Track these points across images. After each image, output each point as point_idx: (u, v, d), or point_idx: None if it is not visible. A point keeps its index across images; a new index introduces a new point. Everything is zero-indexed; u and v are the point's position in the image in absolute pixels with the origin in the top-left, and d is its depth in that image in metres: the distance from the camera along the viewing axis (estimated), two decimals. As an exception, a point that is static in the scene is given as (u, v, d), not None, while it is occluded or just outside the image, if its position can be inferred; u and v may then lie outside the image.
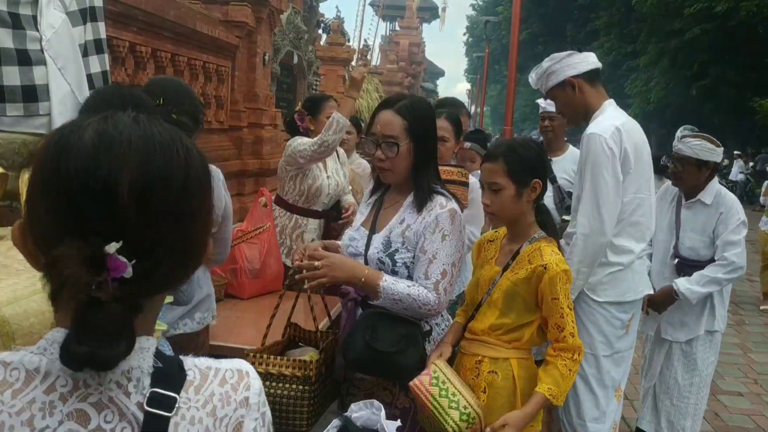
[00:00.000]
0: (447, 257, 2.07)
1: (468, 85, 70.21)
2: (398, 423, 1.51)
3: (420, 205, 2.11)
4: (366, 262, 2.17)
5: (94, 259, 0.69)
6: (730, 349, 5.54)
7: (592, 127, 2.60)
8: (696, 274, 3.23)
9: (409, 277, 2.13)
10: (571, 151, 4.32)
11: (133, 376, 0.77)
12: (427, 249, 2.07)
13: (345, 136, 4.75)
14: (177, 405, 0.78)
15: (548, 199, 4.17)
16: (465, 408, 2.00)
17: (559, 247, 2.23)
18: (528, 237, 2.22)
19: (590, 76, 2.70)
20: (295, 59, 12.13)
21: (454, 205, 2.11)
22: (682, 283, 3.23)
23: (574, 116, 2.81)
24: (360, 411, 1.48)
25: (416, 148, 2.10)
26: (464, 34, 63.43)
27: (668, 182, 3.62)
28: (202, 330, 2.61)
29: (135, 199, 0.72)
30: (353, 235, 2.29)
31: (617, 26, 24.63)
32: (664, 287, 3.33)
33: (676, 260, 3.37)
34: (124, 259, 0.70)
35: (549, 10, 31.20)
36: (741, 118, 20.95)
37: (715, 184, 3.33)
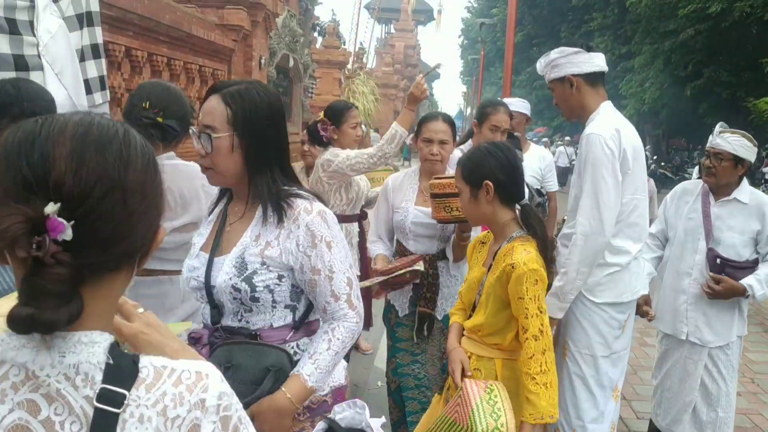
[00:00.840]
0: (343, 263, 1.74)
1: (464, 87, 70.27)
2: (383, 419, 1.51)
3: (278, 215, 1.70)
4: (209, 293, 1.74)
5: (35, 220, 0.74)
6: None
7: (592, 128, 2.60)
8: (764, 276, 3.08)
9: (274, 302, 1.73)
10: (533, 149, 4.47)
11: (81, 369, 0.78)
12: (319, 267, 1.70)
13: None
14: (126, 402, 0.79)
15: None
16: (502, 426, 1.99)
17: (542, 246, 2.20)
18: (506, 237, 2.24)
19: (592, 77, 2.69)
20: (291, 62, 12.14)
21: (319, 204, 1.76)
22: (758, 288, 3.07)
23: (568, 112, 2.82)
24: (344, 411, 1.49)
25: (245, 143, 1.69)
26: (459, 37, 63.49)
27: (685, 182, 3.49)
28: None
29: (71, 162, 0.77)
30: (192, 264, 1.82)
31: (611, 27, 24.67)
32: (732, 282, 3.10)
33: (718, 260, 3.15)
34: (62, 220, 0.74)
35: (543, 11, 31.24)
36: (735, 119, 21.01)
37: (747, 184, 3.23)
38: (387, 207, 3.16)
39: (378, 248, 3.17)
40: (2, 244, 0.73)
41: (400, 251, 3.10)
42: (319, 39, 19.87)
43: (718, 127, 3.26)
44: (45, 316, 0.75)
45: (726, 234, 3.15)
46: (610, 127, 2.56)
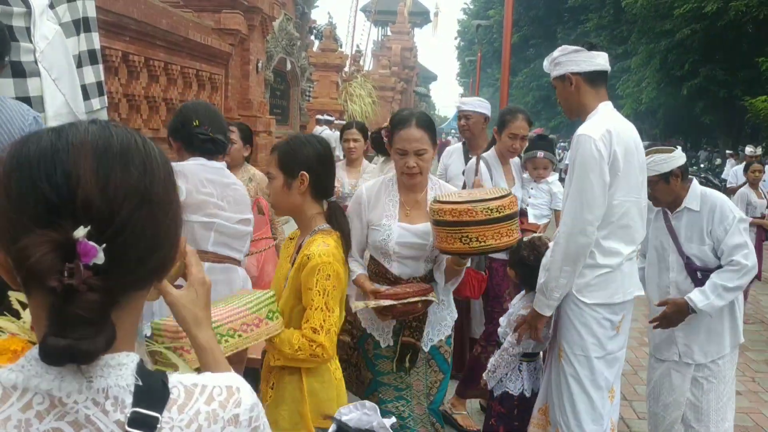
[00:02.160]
0: None
1: (461, 89, 70.32)
2: (393, 420, 1.51)
3: None
4: None
5: (65, 246, 0.69)
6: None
7: (583, 129, 2.60)
8: (709, 285, 2.87)
9: None
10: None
11: (110, 393, 0.75)
12: None
13: (352, 144, 4.64)
14: (159, 425, 0.76)
15: None
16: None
17: (344, 244, 2.16)
18: (311, 230, 2.18)
19: (592, 76, 2.67)
20: (288, 66, 12.14)
21: None
22: (699, 298, 2.85)
23: (568, 110, 2.81)
24: (350, 413, 1.48)
25: None
26: (456, 38, 63.55)
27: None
28: None
29: (97, 180, 0.72)
30: None
31: (608, 28, 24.74)
32: (674, 299, 2.95)
33: (700, 274, 2.94)
34: (93, 244, 0.69)
35: (540, 12, 31.33)
36: (732, 117, 21.07)
37: (696, 188, 3.00)
38: (361, 223, 2.70)
39: (355, 268, 2.65)
40: (30, 276, 0.69)
41: (380, 273, 2.67)
42: (316, 42, 19.89)
43: None
44: (84, 346, 0.70)
45: (686, 246, 2.98)
46: (602, 128, 2.55)
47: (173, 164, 0.85)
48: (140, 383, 0.77)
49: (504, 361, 2.99)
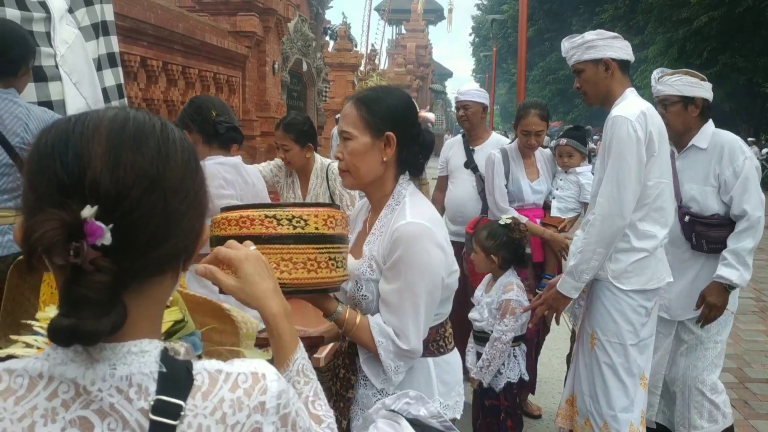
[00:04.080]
0: None
1: (477, 85, 70.07)
2: (436, 406, 1.48)
3: None
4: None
5: (72, 225, 0.69)
6: (755, 337, 5.46)
7: (618, 110, 2.59)
8: (729, 255, 2.82)
9: None
10: (493, 138, 4.24)
11: (134, 381, 0.75)
12: None
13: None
14: (183, 413, 0.75)
15: (471, 188, 4.04)
16: None
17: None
18: None
19: (624, 64, 2.70)
20: (304, 67, 12.18)
21: None
22: (730, 273, 2.82)
23: (595, 95, 2.76)
24: (396, 402, 1.47)
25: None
26: (470, 35, 63.35)
27: None
28: None
29: (106, 161, 0.73)
30: None
31: (623, 18, 24.53)
32: (711, 287, 2.90)
33: (687, 218, 2.92)
34: (100, 224, 0.70)
35: (554, 5, 31.14)
36: (752, 104, 20.78)
37: (710, 127, 2.94)
38: None
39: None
40: (39, 252, 0.69)
41: None
42: (331, 42, 19.95)
43: (656, 73, 3.02)
44: (87, 327, 0.70)
45: (686, 186, 2.92)
46: (637, 110, 2.55)
47: None
48: (164, 370, 0.77)
49: (498, 351, 2.91)
